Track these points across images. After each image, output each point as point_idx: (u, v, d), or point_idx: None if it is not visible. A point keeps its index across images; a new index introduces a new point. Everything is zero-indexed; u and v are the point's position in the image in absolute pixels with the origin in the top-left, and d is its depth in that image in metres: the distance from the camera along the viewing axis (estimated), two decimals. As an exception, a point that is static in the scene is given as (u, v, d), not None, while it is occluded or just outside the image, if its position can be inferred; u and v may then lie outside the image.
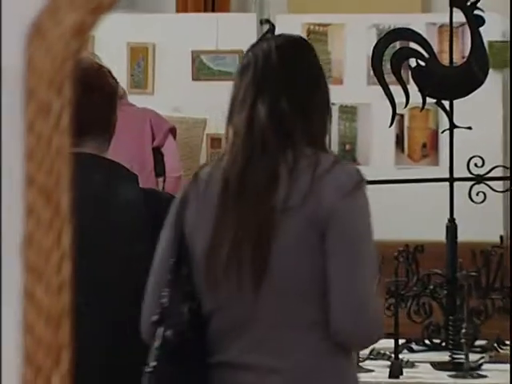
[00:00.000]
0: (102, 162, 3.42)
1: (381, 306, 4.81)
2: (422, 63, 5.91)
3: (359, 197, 4.08)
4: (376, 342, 4.44)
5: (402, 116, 5.73)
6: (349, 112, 6.38)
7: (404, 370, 6.85)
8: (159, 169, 7.37)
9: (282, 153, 3.95)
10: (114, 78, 4.03)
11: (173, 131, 6.44)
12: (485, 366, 7.16)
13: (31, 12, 2.38)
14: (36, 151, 2.37)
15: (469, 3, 5.49)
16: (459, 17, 5.69)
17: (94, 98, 3.34)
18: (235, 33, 6.38)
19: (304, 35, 5.12)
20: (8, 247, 2.43)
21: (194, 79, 6.62)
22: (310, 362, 3.78)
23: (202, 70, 6.39)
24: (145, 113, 5.89)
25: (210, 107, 6.04)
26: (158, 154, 6.61)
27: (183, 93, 6.22)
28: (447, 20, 5.79)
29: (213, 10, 6.83)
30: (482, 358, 7.13)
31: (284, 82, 4.15)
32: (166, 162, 6.15)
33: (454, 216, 6.43)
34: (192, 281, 3.80)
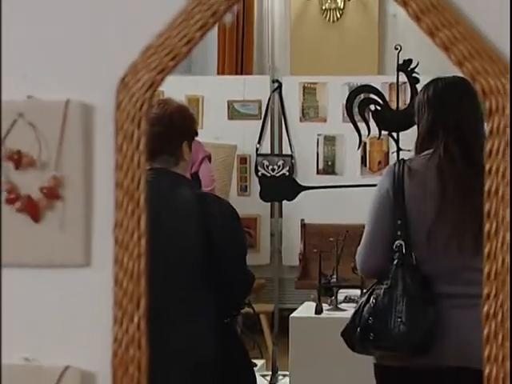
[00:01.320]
0: (167, 173, 3.48)
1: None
2: (379, 108, 6.52)
3: None
4: None
5: (365, 143, 6.34)
6: (330, 140, 7.01)
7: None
8: (197, 188, 7.35)
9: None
10: (185, 116, 4.01)
11: (208, 157, 6.50)
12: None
13: (120, 72, 2.52)
14: (122, 165, 2.55)
15: (409, 69, 5.97)
16: (403, 78, 6.29)
17: (166, 130, 3.38)
18: (256, 88, 6.89)
19: (300, 90, 5.52)
20: (104, 230, 2.57)
21: (228, 119, 7.07)
22: None
23: (233, 112, 6.85)
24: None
25: (238, 137, 6.47)
26: (196, 177, 6.63)
27: (222, 127, 6.57)
28: (395, 80, 6.41)
29: (241, 73, 7.33)
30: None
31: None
32: (202, 182, 6.11)
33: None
34: (409, 240, 3.61)
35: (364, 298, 3.57)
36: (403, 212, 3.59)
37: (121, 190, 2.53)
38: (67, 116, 2.55)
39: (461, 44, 2.38)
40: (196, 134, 4.14)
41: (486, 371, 2.38)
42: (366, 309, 3.52)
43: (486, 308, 2.38)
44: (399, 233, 3.54)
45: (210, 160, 6.57)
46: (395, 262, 3.55)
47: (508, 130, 2.37)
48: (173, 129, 3.55)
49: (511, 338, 2.30)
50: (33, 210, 2.57)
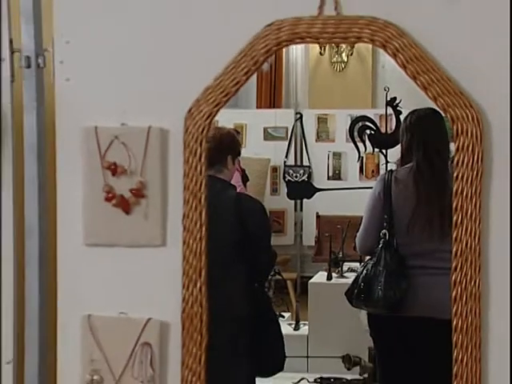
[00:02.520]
0: (217, 179, 3.49)
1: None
2: (373, 132, 6.50)
3: None
4: None
5: (362, 157, 6.28)
6: (337, 155, 6.98)
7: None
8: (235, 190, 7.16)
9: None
10: (229, 137, 3.97)
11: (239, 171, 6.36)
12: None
13: (188, 105, 2.49)
14: (189, 173, 2.52)
15: (394, 104, 5.93)
16: (390, 110, 6.30)
17: (217, 148, 3.31)
18: (284, 118, 6.88)
19: (316, 120, 5.49)
20: (176, 220, 2.53)
21: (264, 140, 7.05)
22: None
23: (267, 135, 6.83)
24: None
25: (271, 153, 6.44)
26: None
27: (259, 146, 6.54)
28: (384, 112, 6.41)
29: (273, 107, 7.36)
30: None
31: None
32: None
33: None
34: (392, 230, 3.61)
35: (360, 270, 3.64)
36: (389, 209, 3.64)
37: (187, 191, 2.51)
38: (149, 138, 2.53)
39: (436, 85, 2.34)
40: (239, 152, 4.13)
41: (454, 323, 2.34)
42: (360, 277, 3.62)
43: (454, 277, 2.35)
44: (385, 224, 3.62)
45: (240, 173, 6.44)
46: (380, 245, 3.61)
47: (471, 146, 2.32)
48: (221, 146, 3.54)
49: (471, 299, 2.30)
50: (125, 206, 2.56)
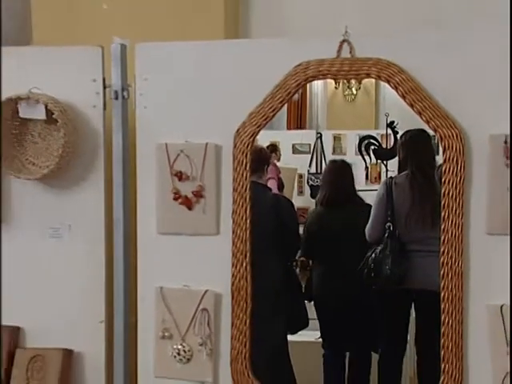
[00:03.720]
0: (257, 184, 3.35)
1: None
2: (376, 147, 6.39)
3: None
4: None
5: (368, 166, 6.21)
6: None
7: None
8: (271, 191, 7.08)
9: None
10: (265, 152, 3.94)
11: (274, 178, 6.24)
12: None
13: (236, 126, 2.47)
14: (237, 178, 2.49)
15: (393, 126, 5.85)
16: (389, 131, 6.19)
17: (256, 160, 3.26)
18: (308, 136, 6.82)
19: (332, 138, 5.39)
20: (226, 214, 2.51)
21: (292, 153, 6.98)
22: None
23: (295, 150, 6.79)
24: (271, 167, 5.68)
25: (298, 163, 6.40)
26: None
27: (289, 158, 6.48)
28: (385, 132, 6.31)
29: (300, 128, 7.32)
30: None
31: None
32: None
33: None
34: (394, 222, 3.57)
35: (370, 253, 3.58)
36: (391, 207, 3.60)
37: (236, 192, 2.49)
38: (207, 151, 2.51)
39: (428, 111, 2.31)
40: (269, 163, 4.07)
41: (442, 294, 2.31)
42: (370, 259, 3.55)
43: (442, 259, 2.32)
44: (388, 218, 3.58)
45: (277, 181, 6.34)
46: (386, 234, 3.57)
47: (455, 158, 2.29)
48: (260, 159, 3.54)
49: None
50: (188, 203, 2.54)
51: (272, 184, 4.33)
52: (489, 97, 2.29)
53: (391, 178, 3.78)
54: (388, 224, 3.59)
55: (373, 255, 3.60)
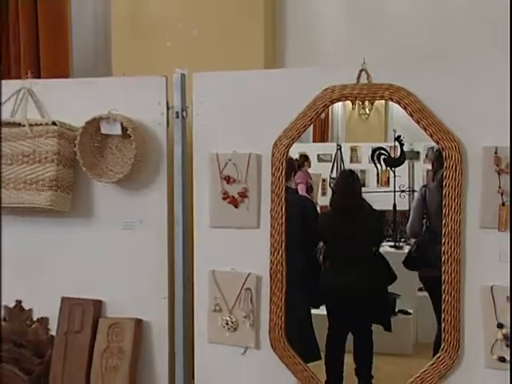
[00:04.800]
0: (288, 187, 3.27)
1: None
2: (386, 157, 6.24)
3: None
4: None
5: (379, 173, 6.12)
6: (363, 172, 6.81)
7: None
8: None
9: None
10: (293, 161, 3.81)
11: (303, 183, 6.06)
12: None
13: (274, 139, 2.44)
14: (275, 181, 2.46)
15: (400, 139, 5.62)
16: (396, 143, 6.01)
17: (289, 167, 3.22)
18: (329, 148, 6.74)
19: (349, 150, 5.24)
20: (265, 211, 2.48)
21: (317, 162, 6.89)
22: None
23: (319, 159, 6.70)
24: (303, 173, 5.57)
25: (322, 170, 6.34)
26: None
27: (314, 166, 6.43)
28: (392, 144, 6.14)
29: (323, 141, 7.27)
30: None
31: None
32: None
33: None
34: (429, 219, 3.45)
35: (412, 245, 3.51)
36: (426, 207, 3.51)
37: (273, 193, 2.47)
38: (250, 160, 2.49)
39: (432, 126, 2.26)
40: (296, 170, 4.03)
41: (442, 278, 2.29)
42: (412, 250, 3.47)
43: (442, 248, 2.29)
44: (424, 216, 3.49)
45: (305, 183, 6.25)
46: (424, 228, 3.48)
47: (454, 165, 2.25)
48: (288, 167, 3.49)
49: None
50: (234, 202, 2.50)
51: (301, 188, 4.29)
52: (482, 116, 2.25)
53: (425, 185, 3.71)
54: (425, 220, 3.53)
55: (414, 245, 3.54)
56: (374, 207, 3.76)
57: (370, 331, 3.54)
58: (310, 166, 4.53)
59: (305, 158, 4.44)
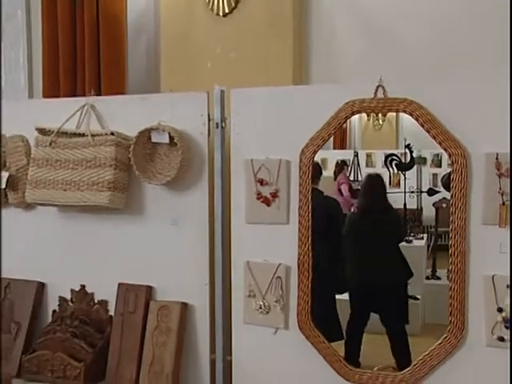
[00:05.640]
0: (315, 189, 3.18)
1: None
2: (397, 162, 6.05)
3: None
4: None
5: (391, 176, 5.96)
6: (377, 176, 6.53)
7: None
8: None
9: None
10: (319, 166, 3.73)
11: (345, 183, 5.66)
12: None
13: (301, 146, 2.43)
14: (302, 183, 2.45)
15: (410, 147, 5.32)
16: (407, 150, 5.84)
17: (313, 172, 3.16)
18: (348, 154, 6.54)
19: (365, 156, 4.89)
20: (294, 209, 2.46)
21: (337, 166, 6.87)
22: None
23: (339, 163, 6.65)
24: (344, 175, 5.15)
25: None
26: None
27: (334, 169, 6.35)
28: (403, 151, 5.94)
29: (343, 148, 7.09)
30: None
31: None
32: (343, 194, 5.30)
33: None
34: None
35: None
36: None
37: (301, 194, 2.45)
38: (280, 165, 2.48)
39: (440, 135, 2.25)
40: (322, 174, 3.92)
41: (450, 268, 2.24)
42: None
43: (450, 242, 2.24)
44: None
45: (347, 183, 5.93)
46: None
47: (460, 169, 2.22)
48: (315, 171, 3.41)
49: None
50: (267, 202, 2.49)
51: (344, 187, 4.16)
52: (485, 126, 2.23)
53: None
54: None
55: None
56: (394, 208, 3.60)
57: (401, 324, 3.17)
58: (348, 170, 4.33)
59: (344, 163, 4.33)
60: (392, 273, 3.11)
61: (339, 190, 3.83)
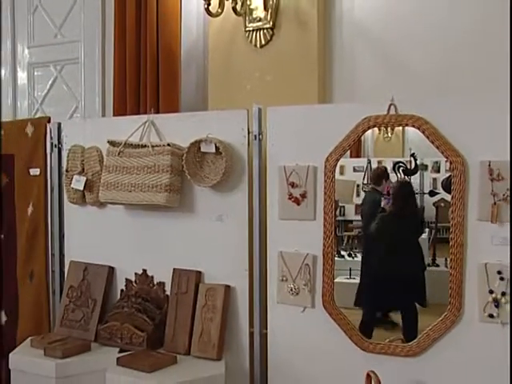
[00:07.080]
0: (374, 189, 3.03)
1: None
2: (404, 169, 5.87)
3: None
4: None
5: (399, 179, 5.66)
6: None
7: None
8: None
9: None
10: (385, 170, 3.47)
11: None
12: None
13: (325, 155, 2.47)
14: (326, 186, 2.48)
15: (414, 156, 5.12)
16: (412, 159, 5.61)
17: (377, 175, 3.04)
18: (361, 162, 6.29)
19: (377, 163, 4.37)
20: (319, 208, 2.50)
21: (353, 172, 6.74)
22: None
23: (355, 169, 6.43)
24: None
25: (356, 177, 6.01)
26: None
27: (350, 174, 6.20)
28: (409, 159, 5.74)
29: (357, 157, 6.91)
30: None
31: None
32: None
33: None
34: None
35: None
36: None
37: (325, 195, 2.48)
38: (308, 170, 2.51)
39: (443, 146, 2.31)
40: (388, 177, 3.52)
41: (450, 258, 2.28)
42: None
43: (451, 235, 2.30)
44: None
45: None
46: None
47: (459, 174, 2.28)
48: (379, 174, 3.23)
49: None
50: (297, 201, 2.53)
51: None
52: (480, 137, 2.28)
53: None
54: None
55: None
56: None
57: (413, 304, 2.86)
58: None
59: (384, 168, 4.08)
60: (414, 261, 2.83)
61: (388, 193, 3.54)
